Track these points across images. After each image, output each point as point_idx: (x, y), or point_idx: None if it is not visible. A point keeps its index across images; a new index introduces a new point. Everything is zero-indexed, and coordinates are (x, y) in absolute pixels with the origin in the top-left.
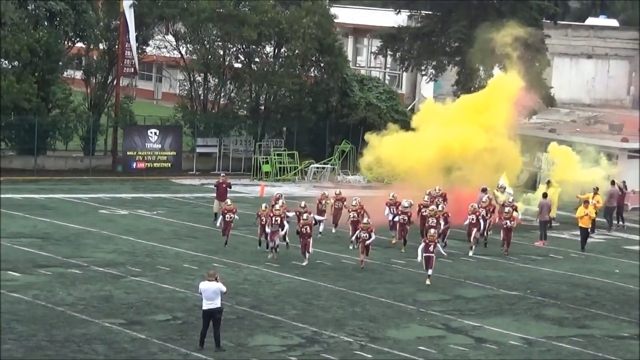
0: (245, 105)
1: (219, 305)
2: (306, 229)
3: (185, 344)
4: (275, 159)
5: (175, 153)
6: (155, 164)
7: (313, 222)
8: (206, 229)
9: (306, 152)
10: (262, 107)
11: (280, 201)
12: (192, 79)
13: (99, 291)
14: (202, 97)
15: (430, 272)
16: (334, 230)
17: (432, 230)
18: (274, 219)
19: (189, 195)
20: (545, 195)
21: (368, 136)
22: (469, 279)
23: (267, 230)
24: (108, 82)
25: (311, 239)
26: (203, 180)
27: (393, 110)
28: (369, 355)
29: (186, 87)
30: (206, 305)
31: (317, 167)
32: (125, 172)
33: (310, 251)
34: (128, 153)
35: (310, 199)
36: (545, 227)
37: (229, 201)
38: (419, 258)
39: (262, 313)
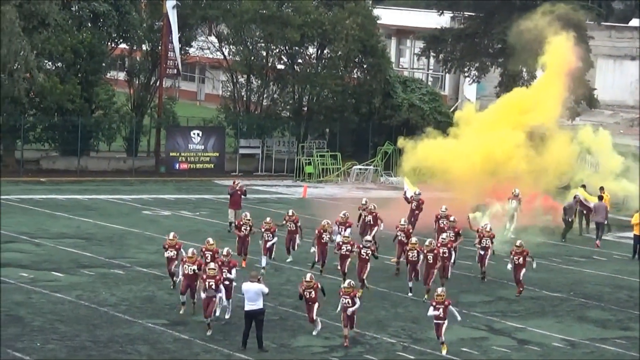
0: (288, 107)
1: (261, 306)
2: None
3: (228, 345)
4: (317, 160)
5: (218, 154)
6: (198, 165)
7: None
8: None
9: (349, 154)
10: (305, 109)
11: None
12: (234, 80)
13: (142, 292)
14: (244, 99)
15: (442, 339)
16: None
17: (440, 289)
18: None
19: None
20: (600, 198)
21: (402, 142)
22: (511, 281)
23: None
24: (151, 83)
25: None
26: (246, 181)
27: (436, 111)
28: (412, 357)
29: (229, 89)
30: (248, 306)
31: (360, 169)
32: (168, 173)
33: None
34: (171, 154)
35: (353, 200)
36: (602, 229)
37: (248, 214)
38: (431, 313)
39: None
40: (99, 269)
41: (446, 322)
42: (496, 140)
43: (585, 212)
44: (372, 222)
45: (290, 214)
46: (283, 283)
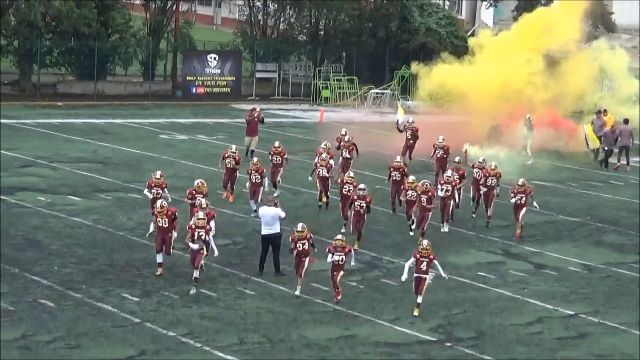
0: (304, 31)
1: (278, 230)
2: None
3: (245, 269)
4: (334, 84)
5: (234, 78)
6: (214, 89)
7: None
8: (266, 154)
9: (365, 78)
10: (322, 33)
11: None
12: (251, 4)
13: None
14: (261, 22)
15: (420, 299)
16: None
17: (425, 242)
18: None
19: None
20: (627, 121)
21: (416, 67)
22: (528, 205)
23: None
24: (167, 7)
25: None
26: (263, 105)
27: (453, 35)
28: (429, 280)
29: (245, 12)
30: (265, 230)
31: (377, 93)
32: (185, 97)
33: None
34: (187, 78)
35: (369, 124)
36: (626, 152)
37: (255, 159)
38: (404, 276)
39: (321, 238)
40: (116, 193)
41: (428, 278)
42: (513, 67)
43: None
44: (349, 157)
45: (276, 145)
46: (300, 207)
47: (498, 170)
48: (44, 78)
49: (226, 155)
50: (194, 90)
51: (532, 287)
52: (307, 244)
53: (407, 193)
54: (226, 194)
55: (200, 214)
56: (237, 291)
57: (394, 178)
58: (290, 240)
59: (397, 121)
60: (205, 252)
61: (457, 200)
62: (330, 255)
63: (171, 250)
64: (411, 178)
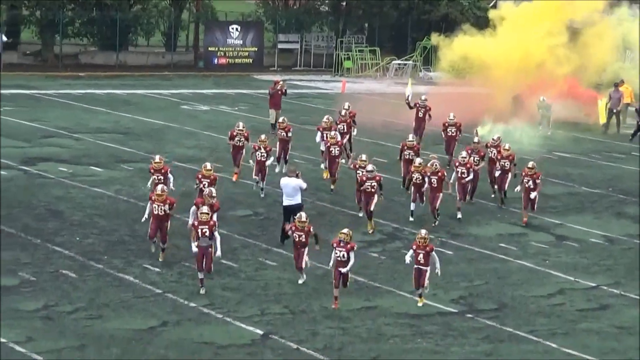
0: (326, 1)
1: (299, 201)
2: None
3: (267, 240)
4: (356, 55)
5: (256, 49)
6: (236, 60)
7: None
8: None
9: (387, 49)
10: (344, 3)
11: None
12: None
13: (181, 186)
14: None
15: (420, 290)
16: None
17: (424, 232)
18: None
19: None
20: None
21: (436, 39)
22: (549, 177)
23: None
24: None
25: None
26: (285, 76)
27: (475, 6)
28: (450, 252)
29: None
30: (286, 201)
31: (399, 64)
32: (207, 67)
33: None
34: (209, 49)
35: (391, 95)
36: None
37: (263, 136)
38: (408, 259)
39: (342, 209)
40: (138, 163)
41: (429, 270)
42: (534, 39)
43: (615, 111)
44: (345, 131)
45: (280, 120)
46: (321, 178)
47: (512, 151)
48: (66, 49)
49: (234, 133)
50: (215, 61)
51: (554, 259)
52: (304, 236)
53: (413, 176)
54: (236, 176)
55: (205, 209)
56: (258, 262)
57: (407, 157)
58: (288, 228)
59: (407, 96)
60: (213, 251)
61: (472, 182)
62: (334, 250)
63: (167, 238)
64: (418, 161)
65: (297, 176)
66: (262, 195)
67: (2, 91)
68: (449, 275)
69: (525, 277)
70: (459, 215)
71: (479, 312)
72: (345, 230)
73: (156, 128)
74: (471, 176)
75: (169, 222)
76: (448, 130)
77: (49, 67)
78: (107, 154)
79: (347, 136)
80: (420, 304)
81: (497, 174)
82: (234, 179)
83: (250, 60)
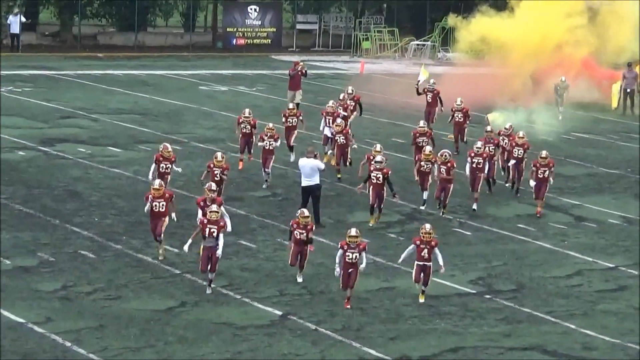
0: None
1: (317, 182)
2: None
3: (285, 220)
4: (375, 35)
5: (275, 29)
6: (255, 41)
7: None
8: (306, 105)
9: (406, 29)
10: None
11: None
12: None
13: (199, 167)
14: None
15: (423, 288)
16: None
17: (428, 226)
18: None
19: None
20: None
21: (453, 19)
22: (568, 157)
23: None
24: None
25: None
26: (303, 57)
27: None
28: (468, 233)
29: None
30: (305, 181)
31: (417, 44)
32: (225, 48)
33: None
34: (228, 29)
35: (410, 76)
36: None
37: (270, 124)
38: (401, 258)
39: (362, 190)
40: (156, 144)
41: (432, 265)
42: (552, 20)
43: (629, 91)
44: (346, 114)
45: (291, 107)
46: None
47: (526, 139)
48: (85, 29)
49: (240, 120)
50: (234, 41)
51: (572, 240)
52: (305, 234)
53: (421, 164)
54: (242, 164)
55: (214, 207)
56: (277, 243)
57: (420, 144)
58: (290, 224)
59: (418, 82)
60: (220, 253)
61: (487, 173)
62: (340, 252)
63: (162, 234)
64: (428, 149)
65: (315, 157)
66: (264, 187)
67: (21, 72)
68: (467, 256)
69: (543, 258)
70: (475, 207)
71: (497, 293)
72: (353, 232)
73: (174, 109)
74: (487, 166)
75: (167, 217)
76: (455, 115)
77: (68, 47)
78: (125, 135)
79: (353, 115)
80: (422, 300)
81: (511, 163)
82: (239, 167)
83: (269, 41)
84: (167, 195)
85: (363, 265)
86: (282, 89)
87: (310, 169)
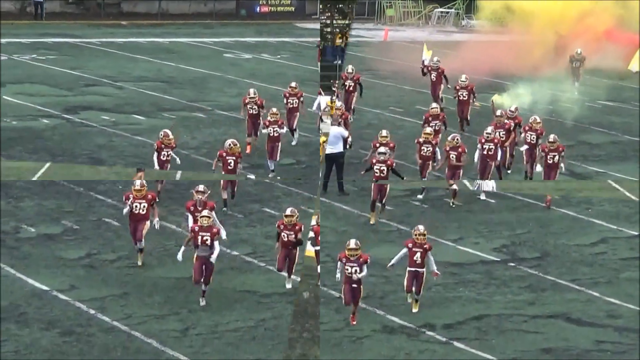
0: None
1: (341, 149)
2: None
3: (309, 188)
4: (399, 3)
5: None
6: (279, 8)
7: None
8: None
9: None
10: None
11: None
12: None
13: (223, 135)
14: None
15: (415, 296)
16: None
17: (422, 227)
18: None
19: (313, 39)
20: None
21: None
22: (593, 125)
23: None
24: None
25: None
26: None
27: None
28: (493, 201)
29: None
30: (329, 149)
31: (441, 12)
32: (249, 16)
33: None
34: None
35: (434, 44)
36: None
37: (274, 109)
38: (391, 263)
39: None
40: (180, 112)
41: (425, 272)
42: None
43: None
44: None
45: (293, 85)
46: (364, 127)
47: (541, 125)
48: None
49: (246, 101)
50: (258, 9)
51: (596, 208)
52: (293, 235)
53: (422, 148)
54: (250, 147)
55: (205, 212)
56: (300, 210)
57: (434, 128)
58: (277, 225)
59: (423, 62)
60: (214, 262)
61: (498, 159)
62: (340, 263)
63: (143, 239)
64: (429, 129)
65: (339, 124)
66: (270, 176)
67: (45, 40)
68: (492, 223)
69: (567, 225)
70: (483, 197)
71: (521, 260)
72: (352, 245)
73: (198, 76)
74: (500, 152)
75: (148, 221)
76: (460, 93)
77: (92, 15)
78: (149, 103)
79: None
80: (415, 310)
81: (523, 148)
82: (247, 150)
83: (293, 9)
84: (149, 196)
85: (364, 274)
86: (306, 56)
87: (334, 137)
